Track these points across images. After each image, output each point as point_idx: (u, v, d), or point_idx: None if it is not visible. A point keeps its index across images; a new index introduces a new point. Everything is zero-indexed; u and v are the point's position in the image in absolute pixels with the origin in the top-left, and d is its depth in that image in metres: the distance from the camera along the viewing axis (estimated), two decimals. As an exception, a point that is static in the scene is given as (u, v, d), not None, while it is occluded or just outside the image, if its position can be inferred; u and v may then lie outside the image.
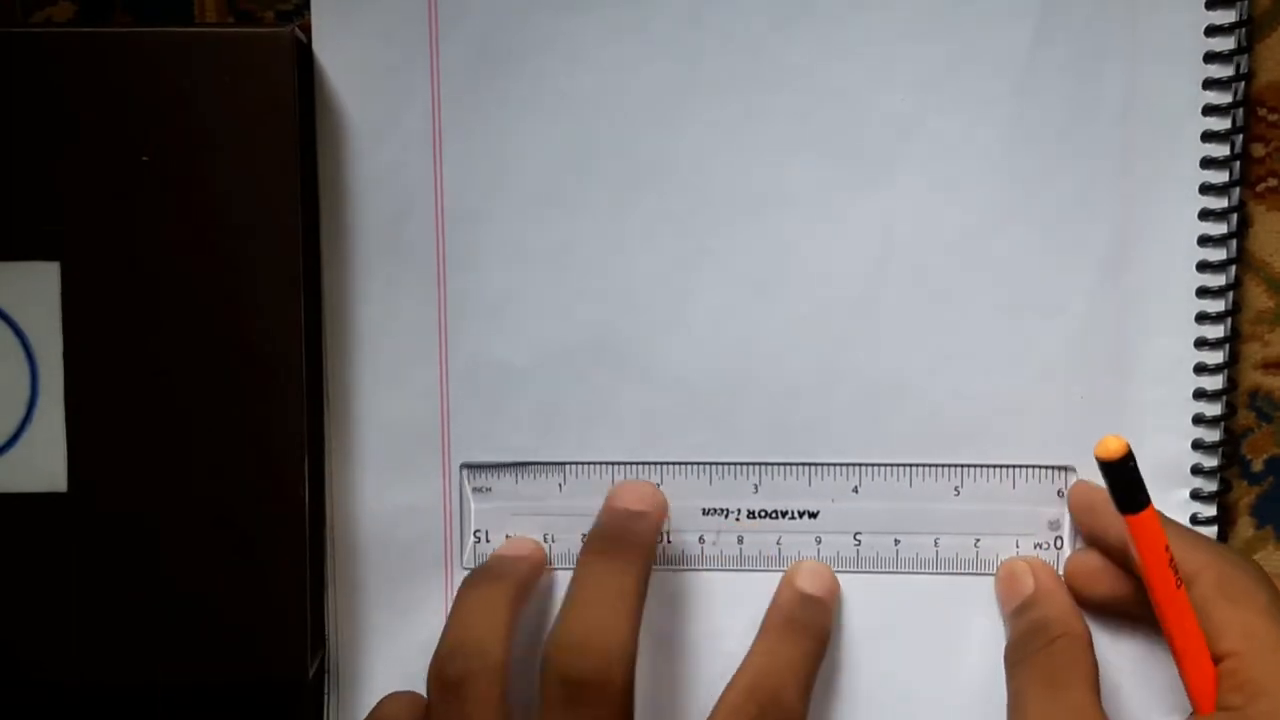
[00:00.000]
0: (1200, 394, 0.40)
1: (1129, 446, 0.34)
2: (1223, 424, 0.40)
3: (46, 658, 0.40)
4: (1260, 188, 0.41)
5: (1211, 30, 0.39)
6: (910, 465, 0.41)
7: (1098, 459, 0.34)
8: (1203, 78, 0.39)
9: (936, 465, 0.41)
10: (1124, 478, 0.34)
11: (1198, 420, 0.40)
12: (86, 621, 0.39)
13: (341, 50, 0.40)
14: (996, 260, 0.40)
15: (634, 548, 0.38)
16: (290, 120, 0.38)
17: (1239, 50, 0.39)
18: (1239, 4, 0.39)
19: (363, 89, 0.40)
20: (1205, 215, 0.40)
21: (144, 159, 0.38)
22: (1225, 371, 0.40)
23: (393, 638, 0.42)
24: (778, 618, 0.39)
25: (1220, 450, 0.40)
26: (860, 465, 0.41)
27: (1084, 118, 0.40)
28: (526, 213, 0.40)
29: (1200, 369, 0.40)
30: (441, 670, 0.36)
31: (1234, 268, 0.40)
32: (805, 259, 0.40)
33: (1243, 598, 0.36)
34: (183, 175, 0.39)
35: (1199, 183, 0.40)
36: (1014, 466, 0.41)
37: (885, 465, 0.41)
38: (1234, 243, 0.40)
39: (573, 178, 0.40)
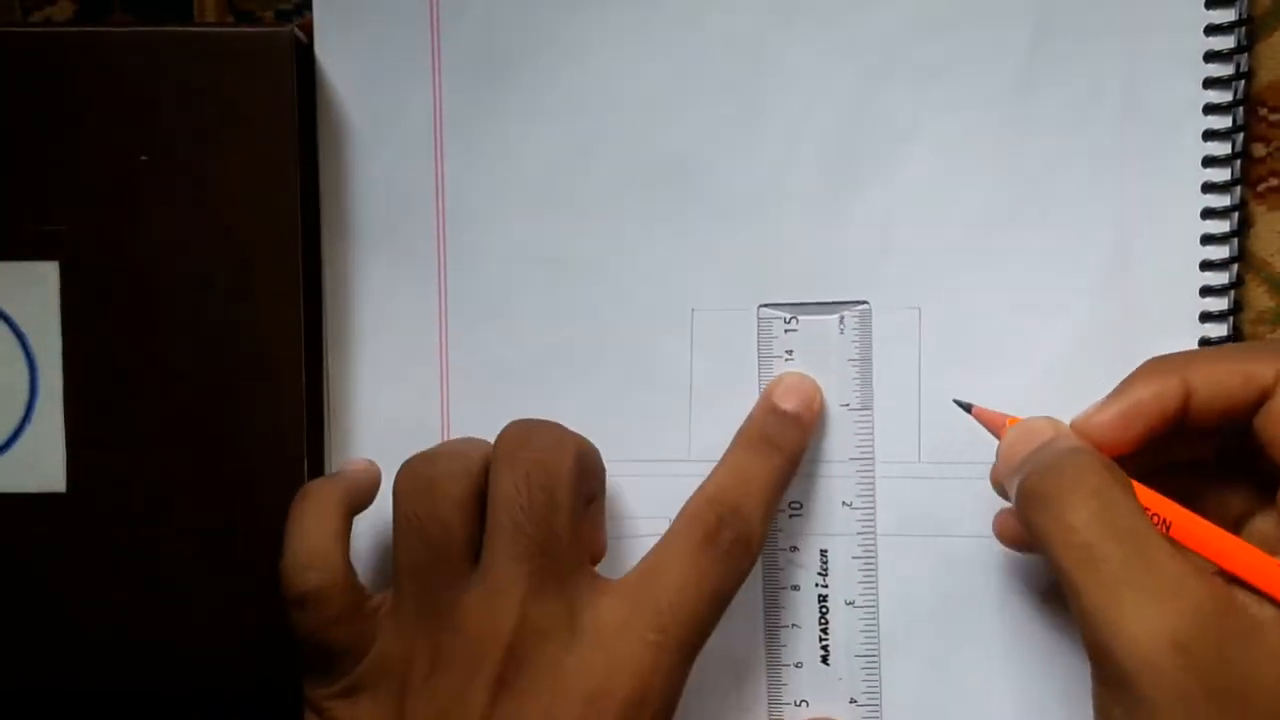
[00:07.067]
0: (1204, 393, 0.40)
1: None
2: (1226, 423, 0.40)
3: (45, 658, 0.39)
4: (1261, 188, 0.41)
5: (1211, 29, 0.39)
6: (911, 463, 0.40)
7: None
8: (1203, 76, 0.39)
9: (936, 464, 0.41)
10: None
11: (1201, 420, 0.40)
12: (84, 622, 0.39)
13: (341, 50, 0.40)
14: (997, 260, 0.40)
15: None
16: (290, 120, 0.39)
17: (1239, 49, 0.39)
18: (1238, 3, 0.39)
19: (363, 89, 0.40)
20: (1207, 214, 0.40)
21: (144, 158, 0.39)
22: (1229, 371, 0.40)
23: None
24: (751, 432, 0.39)
25: (1224, 449, 0.40)
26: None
27: (1084, 117, 0.40)
28: (527, 212, 0.40)
29: (1203, 368, 0.40)
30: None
31: (1236, 267, 0.40)
32: (805, 259, 0.40)
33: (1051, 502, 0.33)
34: (182, 175, 0.39)
35: (1201, 181, 0.40)
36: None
37: (888, 463, 0.41)
38: (1236, 241, 0.40)
39: (573, 177, 0.40)
